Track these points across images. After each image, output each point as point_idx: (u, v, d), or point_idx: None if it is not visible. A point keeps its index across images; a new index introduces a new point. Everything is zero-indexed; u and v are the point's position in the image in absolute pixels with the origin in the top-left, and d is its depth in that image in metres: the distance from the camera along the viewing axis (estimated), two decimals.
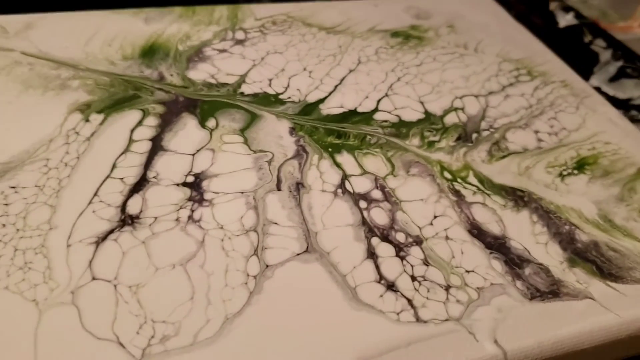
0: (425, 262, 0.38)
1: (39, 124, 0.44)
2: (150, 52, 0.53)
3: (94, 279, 0.35)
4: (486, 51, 0.60)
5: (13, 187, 0.39)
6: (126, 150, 0.43)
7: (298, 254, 0.38)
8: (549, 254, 0.40)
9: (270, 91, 0.51)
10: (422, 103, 0.52)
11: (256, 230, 0.39)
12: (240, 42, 0.56)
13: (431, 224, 0.40)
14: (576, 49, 0.72)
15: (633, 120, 0.65)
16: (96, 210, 0.38)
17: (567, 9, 0.74)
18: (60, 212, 0.38)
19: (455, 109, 0.51)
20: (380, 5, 0.65)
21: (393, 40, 0.59)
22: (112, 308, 0.33)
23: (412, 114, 0.50)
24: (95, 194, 0.40)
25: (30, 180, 0.40)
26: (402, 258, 0.38)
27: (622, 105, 0.66)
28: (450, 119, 0.50)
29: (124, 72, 0.51)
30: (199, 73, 0.52)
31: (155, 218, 0.39)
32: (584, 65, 0.71)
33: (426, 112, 0.51)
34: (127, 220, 0.38)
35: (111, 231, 0.37)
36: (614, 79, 0.68)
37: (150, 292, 0.34)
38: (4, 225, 0.37)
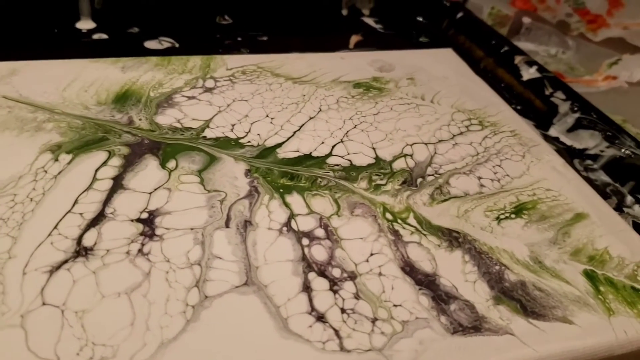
0: (357, 296, 0.41)
1: (11, 162, 0.48)
2: (123, 98, 0.57)
3: (43, 304, 0.38)
4: (442, 102, 0.64)
5: None
6: (89, 187, 0.47)
7: (237, 287, 0.40)
8: (476, 292, 0.42)
9: (232, 135, 0.54)
10: (374, 149, 0.55)
11: (200, 264, 0.41)
12: (209, 89, 0.61)
13: (367, 260, 0.43)
14: (537, 100, 0.75)
15: (587, 169, 0.68)
16: (54, 242, 0.42)
17: (530, 63, 0.78)
18: (20, 242, 0.41)
19: (405, 155, 0.55)
20: (346, 58, 0.69)
21: (355, 91, 0.63)
22: (57, 331, 0.36)
23: (363, 159, 0.54)
24: (55, 227, 0.43)
25: None
26: (335, 292, 0.41)
27: (578, 155, 0.69)
28: (399, 164, 0.54)
29: (96, 116, 0.54)
30: (166, 118, 0.55)
31: (108, 250, 0.42)
32: (544, 116, 0.75)
33: (377, 157, 0.54)
34: (81, 251, 0.41)
35: (65, 261, 0.40)
36: (571, 129, 0.71)
37: (94, 318, 0.37)
38: None
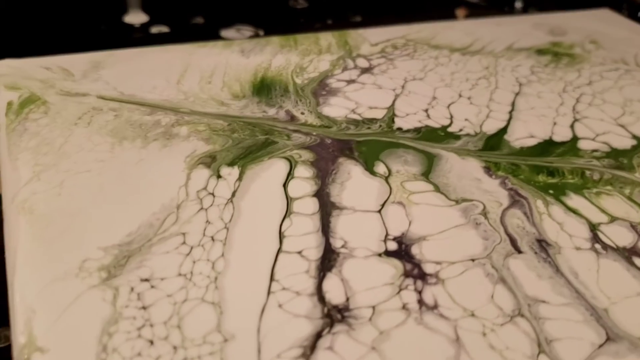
0: None
1: (154, 185, 0.31)
2: (264, 88, 0.41)
3: None
4: None
5: (146, 280, 0.26)
6: (288, 212, 0.30)
7: (600, 345, 0.24)
8: None
9: (433, 124, 0.38)
10: (623, 126, 0.40)
11: (521, 314, 0.25)
12: (366, 70, 0.45)
13: None
14: None
15: None
16: (283, 303, 0.25)
17: None
18: (229, 311, 0.25)
19: None
20: (503, 24, 0.54)
21: (543, 59, 0.48)
22: None
23: (620, 140, 0.38)
24: (272, 279, 0.26)
25: (169, 268, 0.26)
26: None
27: None
28: None
29: (242, 114, 0.38)
30: (336, 109, 0.39)
31: (373, 308, 0.25)
32: None
33: (635, 137, 0.39)
34: (333, 314, 0.25)
35: (319, 334, 0.24)
36: None
37: None
38: (151, 342, 0.23)
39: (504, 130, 0.39)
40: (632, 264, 0.29)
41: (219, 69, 0.43)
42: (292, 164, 0.34)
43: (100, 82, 0.40)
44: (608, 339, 0.25)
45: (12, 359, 0.23)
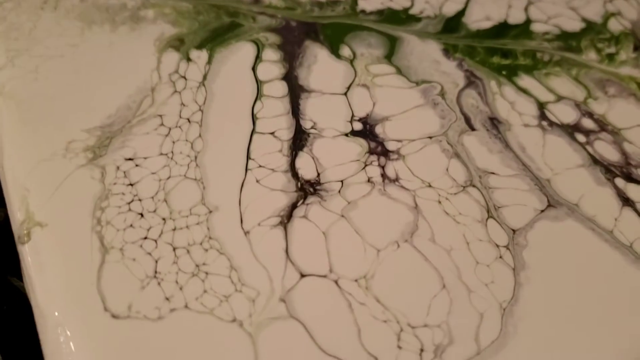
0: None
1: (127, 68, 0.32)
2: None
3: (302, 275, 0.24)
4: None
5: (130, 159, 0.27)
6: (259, 95, 0.32)
7: (542, 211, 0.28)
8: None
9: (395, 6, 0.40)
10: (574, 10, 0.42)
11: (473, 184, 0.29)
12: None
13: None
14: None
15: None
16: (260, 178, 0.27)
17: None
18: (211, 186, 0.27)
19: (612, 15, 0.42)
20: None
21: None
22: (347, 315, 0.23)
23: (571, 23, 0.40)
24: (249, 158, 0.28)
25: (151, 147, 0.28)
26: None
27: None
28: (613, 25, 0.41)
29: None
30: None
31: (342, 182, 0.28)
32: None
33: (585, 20, 0.41)
34: (306, 188, 0.27)
35: (294, 205, 0.27)
36: None
37: (384, 284, 0.24)
38: (141, 214, 0.25)
39: (462, 13, 0.40)
40: (575, 139, 0.32)
41: None
42: (259, 47, 0.35)
43: None
44: (549, 205, 0.29)
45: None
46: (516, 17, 0.40)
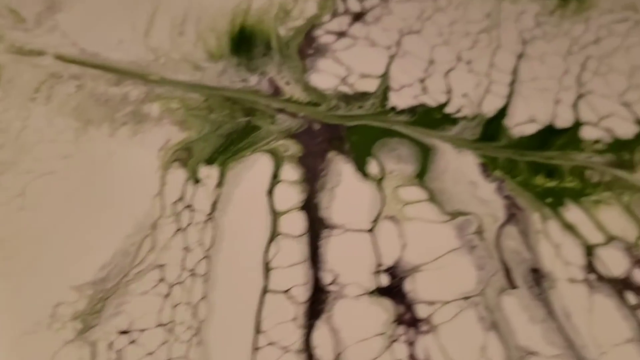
0: None
1: (126, 192, 0.28)
2: (243, 42, 0.36)
3: None
4: None
5: (125, 332, 0.24)
6: (274, 233, 0.28)
7: None
8: None
9: (429, 101, 0.35)
10: (627, 105, 0.37)
11: None
12: (358, 17, 0.40)
13: None
14: None
15: None
16: None
17: None
18: None
19: None
20: None
21: (549, 3, 0.44)
22: None
23: (625, 126, 0.36)
24: (258, 330, 0.25)
25: (148, 315, 0.25)
26: None
27: None
28: None
29: (219, 83, 0.34)
30: (325, 77, 0.36)
31: None
32: None
33: (638, 122, 0.37)
34: None
35: None
36: None
37: None
38: None
39: (503, 112, 0.36)
40: (624, 301, 0.29)
41: (191, 12, 0.37)
42: (276, 162, 0.31)
43: (57, 34, 0.35)
44: None
45: None
46: (564, 118, 0.36)
